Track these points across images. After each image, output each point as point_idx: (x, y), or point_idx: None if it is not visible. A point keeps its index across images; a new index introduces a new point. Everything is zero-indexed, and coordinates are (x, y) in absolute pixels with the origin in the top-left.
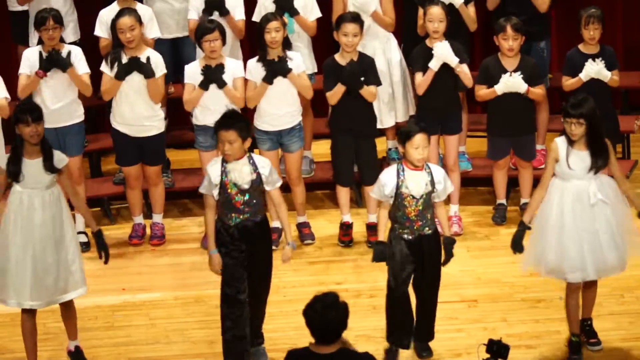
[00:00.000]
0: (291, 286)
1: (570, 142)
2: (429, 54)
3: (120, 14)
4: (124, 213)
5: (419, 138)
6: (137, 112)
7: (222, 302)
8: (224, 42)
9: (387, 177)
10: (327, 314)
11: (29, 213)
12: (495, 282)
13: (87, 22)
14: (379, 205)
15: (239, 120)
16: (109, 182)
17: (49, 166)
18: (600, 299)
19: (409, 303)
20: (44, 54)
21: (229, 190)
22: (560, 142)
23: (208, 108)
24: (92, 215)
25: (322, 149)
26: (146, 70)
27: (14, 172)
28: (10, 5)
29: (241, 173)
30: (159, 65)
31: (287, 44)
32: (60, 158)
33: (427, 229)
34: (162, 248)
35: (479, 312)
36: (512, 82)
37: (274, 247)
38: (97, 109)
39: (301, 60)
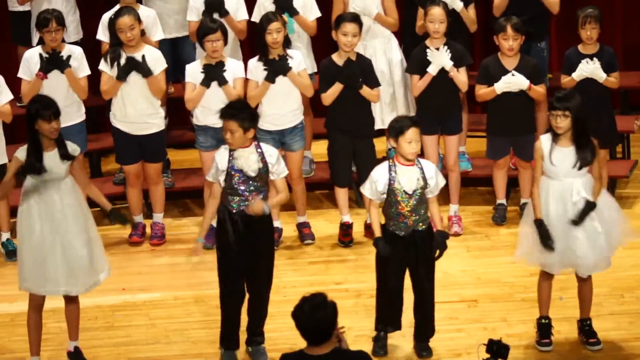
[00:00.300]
0: (291, 286)
1: (555, 139)
2: (426, 57)
3: (119, 13)
4: (124, 213)
5: (411, 132)
6: (138, 109)
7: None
8: (225, 43)
9: (379, 174)
10: (315, 314)
11: (49, 204)
12: (495, 282)
13: (89, 22)
14: (370, 203)
15: (242, 111)
16: (109, 182)
17: (65, 154)
18: (600, 299)
19: (399, 293)
20: (44, 55)
21: (235, 179)
22: (545, 139)
23: (208, 108)
24: (105, 199)
25: (322, 149)
26: (143, 70)
27: (39, 168)
28: (10, 5)
29: (247, 160)
30: (157, 62)
31: (287, 43)
32: (73, 147)
33: (420, 224)
34: (162, 248)
35: (479, 312)
36: (514, 81)
37: (274, 248)
38: (98, 109)
39: (301, 58)
